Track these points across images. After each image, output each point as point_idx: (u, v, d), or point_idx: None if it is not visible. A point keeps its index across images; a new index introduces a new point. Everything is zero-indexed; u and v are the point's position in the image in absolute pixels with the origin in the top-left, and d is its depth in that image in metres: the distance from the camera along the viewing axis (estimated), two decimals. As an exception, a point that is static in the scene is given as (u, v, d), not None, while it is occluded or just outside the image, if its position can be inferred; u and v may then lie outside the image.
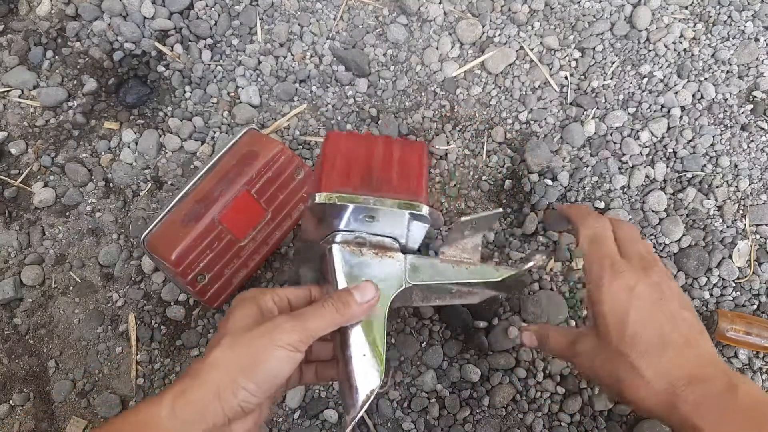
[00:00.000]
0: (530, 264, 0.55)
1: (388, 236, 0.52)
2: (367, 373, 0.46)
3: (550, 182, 0.75)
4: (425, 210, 0.48)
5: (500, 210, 0.54)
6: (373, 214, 0.49)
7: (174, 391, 0.41)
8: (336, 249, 0.51)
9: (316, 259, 0.55)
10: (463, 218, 0.52)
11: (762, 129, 0.77)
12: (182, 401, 0.40)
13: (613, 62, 0.79)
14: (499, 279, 0.53)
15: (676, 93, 0.77)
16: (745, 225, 0.74)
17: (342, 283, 0.50)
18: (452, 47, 0.79)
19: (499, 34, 0.80)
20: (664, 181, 0.76)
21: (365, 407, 0.46)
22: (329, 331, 0.45)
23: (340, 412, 0.69)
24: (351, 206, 0.48)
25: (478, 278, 0.53)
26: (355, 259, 0.50)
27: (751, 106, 0.78)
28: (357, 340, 0.48)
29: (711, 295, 0.72)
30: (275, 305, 0.47)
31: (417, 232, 0.52)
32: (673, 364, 0.44)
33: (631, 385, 0.45)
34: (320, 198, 0.47)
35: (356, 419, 0.45)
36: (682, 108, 0.78)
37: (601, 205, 0.75)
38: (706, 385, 0.43)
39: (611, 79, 0.79)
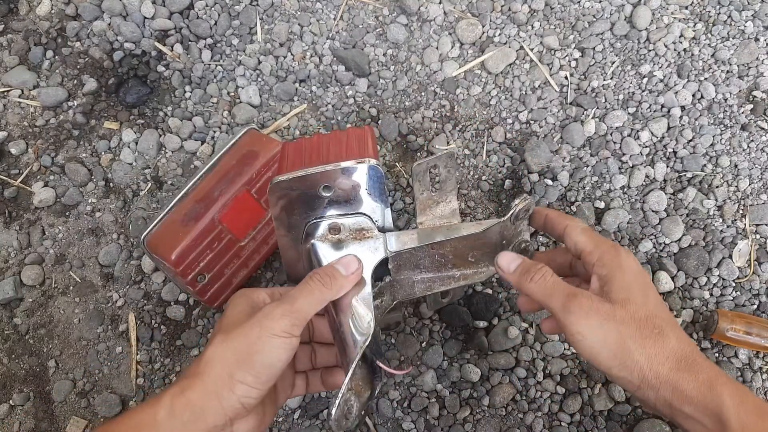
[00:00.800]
0: (513, 211, 0.53)
1: (361, 214, 0.53)
2: (359, 325, 0.48)
3: (550, 182, 0.75)
4: (372, 162, 0.49)
5: (453, 147, 0.54)
6: (328, 183, 0.50)
7: (172, 392, 0.40)
8: (317, 244, 0.52)
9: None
10: (415, 163, 0.53)
11: (762, 129, 0.77)
12: (181, 401, 0.40)
13: (613, 62, 0.79)
14: (482, 230, 0.52)
15: (676, 93, 0.77)
16: (745, 225, 0.74)
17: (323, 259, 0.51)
18: (452, 47, 0.79)
19: (499, 34, 0.80)
20: (664, 180, 0.76)
21: (361, 352, 0.46)
22: (319, 308, 0.45)
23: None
24: (303, 175, 0.50)
25: (459, 234, 0.53)
26: (336, 249, 0.52)
27: (751, 106, 0.78)
28: (347, 308, 0.49)
29: (711, 294, 0.72)
30: (267, 297, 0.47)
31: (377, 190, 0.52)
32: (685, 341, 0.45)
33: (640, 357, 0.43)
34: (276, 179, 0.50)
35: (356, 360, 0.46)
36: (682, 108, 0.78)
37: (601, 204, 0.75)
38: (707, 363, 0.44)
39: (611, 78, 0.79)
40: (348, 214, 0.52)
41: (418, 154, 0.77)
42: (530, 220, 0.56)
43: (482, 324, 0.71)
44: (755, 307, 0.72)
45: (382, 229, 0.53)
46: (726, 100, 0.78)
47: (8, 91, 0.80)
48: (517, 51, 0.79)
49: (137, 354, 0.72)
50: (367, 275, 0.50)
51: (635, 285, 0.46)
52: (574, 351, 0.70)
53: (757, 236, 0.74)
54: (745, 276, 0.73)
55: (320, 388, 0.54)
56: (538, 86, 0.78)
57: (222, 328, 0.43)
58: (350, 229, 0.52)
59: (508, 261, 0.50)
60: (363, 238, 0.52)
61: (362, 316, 0.48)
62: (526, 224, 0.56)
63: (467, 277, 0.56)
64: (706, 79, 0.78)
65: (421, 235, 0.53)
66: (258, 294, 0.47)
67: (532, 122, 0.77)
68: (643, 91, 0.78)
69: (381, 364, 0.49)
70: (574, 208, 0.75)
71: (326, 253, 0.51)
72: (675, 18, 0.80)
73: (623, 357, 0.43)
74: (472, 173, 0.76)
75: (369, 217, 0.53)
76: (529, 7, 0.80)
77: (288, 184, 0.50)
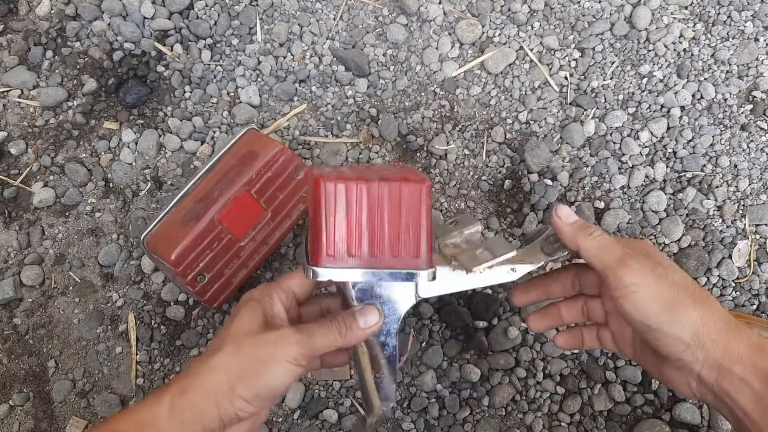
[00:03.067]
0: (551, 259, 0.51)
1: None
2: (382, 392, 0.47)
3: (549, 182, 0.75)
4: (424, 277, 0.46)
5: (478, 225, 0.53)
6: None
7: (173, 391, 0.40)
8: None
9: None
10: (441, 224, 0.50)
11: (761, 129, 0.77)
12: (182, 402, 0.40)
13: (613, 62, 0.79)
14: (514, 281, 0.50)
15: (676, 93, 0.77)
16: (744, 225, 0.74)
17: (352, 299, 0.48)
18: (452, 47, 0.79)
19: (499, 34, 0.80)
20: (664, 181, 0.76)
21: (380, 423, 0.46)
22: (333, 350, 0.44)
23: (340, 412, 0.69)
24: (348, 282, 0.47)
25: (490, 282, 0.51)
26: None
27: (751, 106, 0.78)
28: (366, 358, 0.48)
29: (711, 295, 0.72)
30: (282, 306, 0.46)
31: None
32: (727, 312, 0.45)
33: (695, 312, 0.44)
34: (318, 275, 0.46)
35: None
36: (682, 108, 0.78)
37: (601, 205, 0.75)
38: (751, 331, 0.45)
39: (611, 79, 0.79)
40: None
41: (418, 154, 0.77)
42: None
43: (482, 324, 0.71)
44: (755, 307, 0.72)
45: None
46: (726, 100, 0.78)
47: (8, 91, 0.80)
48: (516, 51, 0.79)
49: (137, 354, 0.72)
50: (395, 326, 0.48)
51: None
52: (574, 351, 0.70)
53: (757, 236, 0.74)
54: (745, 276, 0.73)
55: (317, 365, 0.53)
56: (538, 86, 0.78)
57: (231, 335, 0.43)
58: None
59: (567, 213, 0.49)
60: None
61: (387, 380, 0.47)
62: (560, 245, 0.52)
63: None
64: (705, 79, 0.78)
65: (453, 279, 0.50)
66: (273, 306, 0.45)
67: (531, 122, 0.77)
68: (643, 91, 0.78)
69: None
70: (574, 208, 0.75)
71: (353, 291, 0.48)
72: (675, 18, 0.80)
73: (678, 311, 0.43)
74: (471, 173, 0.76)
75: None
76: (529, 7, 0.80)
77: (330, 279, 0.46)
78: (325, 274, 0.45)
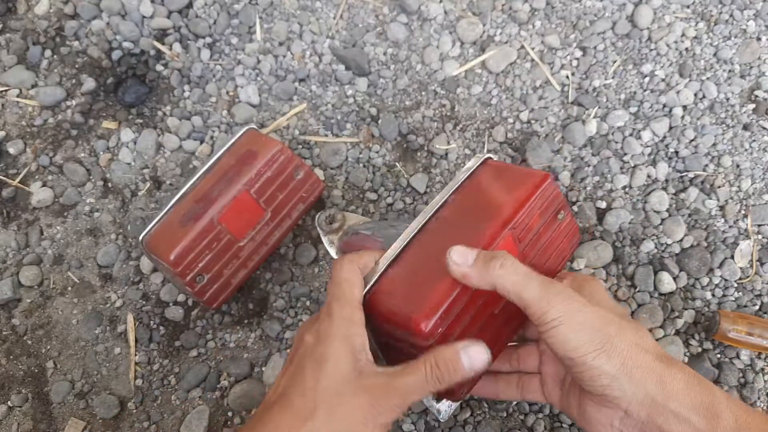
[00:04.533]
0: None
1: None
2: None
3: (551, 182, 0.75)
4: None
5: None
6: None
7: None
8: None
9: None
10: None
11: (764, 128, 0.77)
12: None
13: (615, 61, 0.78)
14: None
15: (678, 92, 0.77)
16: (747, 225, 0.74)
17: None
18: (453, 46, 0.79)
19: (500, 33, 0.79)
20: (666, 180, 0.75)
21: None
22: (425, 397, 0.41)
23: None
24: None
25: None
26: None
27: (754, 106, 0.77)
28: None
29: (713, 295, 0.72)
30: (366, 332, 0.41)
31: None
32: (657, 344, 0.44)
33: (621, 343, 0.40)
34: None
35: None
36: (684, 107, 0.77)
37: (603, 204, 0.74)
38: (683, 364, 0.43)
39: (613, 78, 0.78)
40: None
41: (418, 153, 0.76)
42: None
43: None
44: (757, 307, 0.72)
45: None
46: (728, 99, 0.78)
47: (6, 90, 0.79)
48: (518, 50, 0.79)
49: (136, 355, 0.71)
50: None
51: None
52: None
53: (760, 236, 0.74)
54: (747, 276, 0.73)
55: None
56: (540, 85, 0.78)
57: (321, 395, 0.37)
58: None
59: (462, 252, 0.41)
60: None
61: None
62: None
63: None
64: (708, 78, 0.78)
65: None
66: (360, 341, 0.40)
67: (533, 122, 0.77)
68: (645, 90, 0.78)
69: None
70: (575, 208, 0.74)
71: None
72: (677, 17, 0.80)
73: (603, 342, 0.39)
74: (472, 173, 0.76)
75: None
76: (530, 6, 0.80)
77: None
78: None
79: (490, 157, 0.55)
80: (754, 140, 0.77)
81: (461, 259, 0.41)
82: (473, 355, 0.39)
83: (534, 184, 0.49)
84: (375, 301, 0.44)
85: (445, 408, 0.48)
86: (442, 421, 0.47)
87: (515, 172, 0.52)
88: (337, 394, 0.37)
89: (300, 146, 0.77)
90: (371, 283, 0.45)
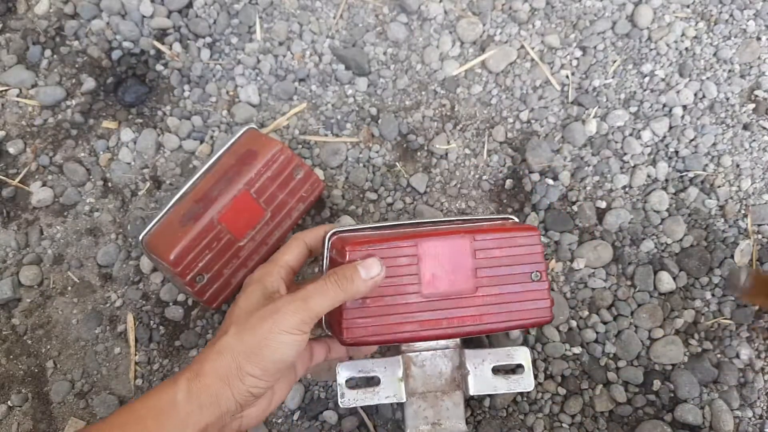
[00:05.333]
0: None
1: None
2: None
3: (551, 182, 0.75)
4: None
5: None
6: None
7: (187, 376, 0.41)
8: None
9: None
10: None
11: (764, 128, 0.77)
12: (197, 386, 0.41)
13: (615, 61, 0.78)
14: None
15: (678, 92, 0.77)
16: (747, 225, 0.74)
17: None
18: (453, 46, 0.79)
19: (500, 33, 0.79)
20: (666, 180, 0.75)
21: None
22: (332, 308, 0.44)
23: (340, 413, 0.69)
24: None
25: None
26: None
27: (753, 105, 0.77)
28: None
29: (713, 295, 0.72)
30: (282, 281, 0.47)
31: None
32: None
33: None
34: None
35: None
36: (684, 107, 0.77)
37: (603, 204, 0.74)
38: None
39: (613, 78, 0.78)
40: None
41: (418, 153, 0.76)
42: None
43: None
44: (757, 307, 0.72)
45: None
46: (728, 99, 0.78)
47: (6, 90, 0.79)
48: (518, 50, 0.78)
49: (136, 355, 0.71)
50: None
51: None
52: (575, 352, 0.70)
53: (759, 236, 0.74)
54: (747, 276, 0.73)
55: (343, 355, 0.54)
56: (539, 85, 0.78)
57: (234, 318, 0.44)
58: None
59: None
60: None
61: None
62: None
63: None
64: (707, 78, 0.78)
65: None
66: (272, 281, 0.46)
67: (533, 121, 0.77)
68: (645, 90, 0.78)
69: None
70: (575, 208, 0.74)
71: None
72: (676, 17, 0.80)
73: None
74: (472, 173, 0.76)
75: None
76: (530, 5, 0.80)
77: None
78: None
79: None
80: (754, 140, 0.77)
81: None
82: (368, 266, 0.44)
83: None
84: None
85: (348, 391, 0.50)
86: (341, 405, 0.49)
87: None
88: (247, 313, 0.43)
89: (300, 146, 0.77)
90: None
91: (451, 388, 0.52)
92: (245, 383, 0.41)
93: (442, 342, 0.52)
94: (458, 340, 0.53)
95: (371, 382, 0.52)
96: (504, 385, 0.52)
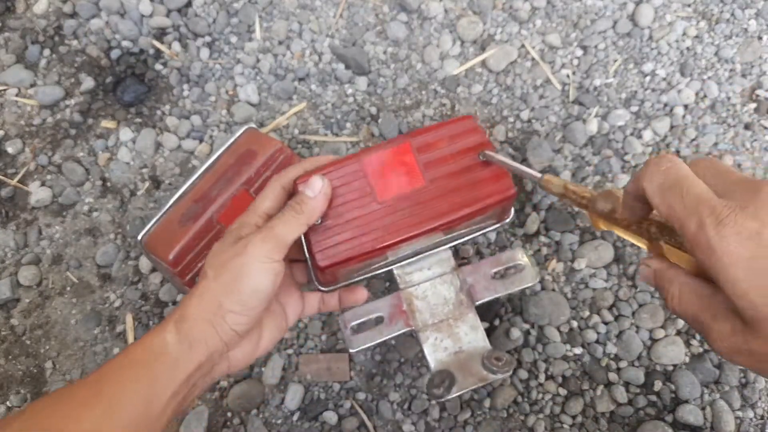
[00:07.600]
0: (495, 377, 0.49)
1: None
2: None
3: (551, 181, 0.74)
4: None
5: None
6: None
7: (174, 318, 0.43)
8: None
9: None
10: None
11: (765, 128, 0.77)
12: (184, 327, 0.42)
13: (616, 60, 0.78)
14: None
15: (679, 91, 0.77)
16: (748, 225, 0.74)
17: None
18: (453, 45, 0.79)
19: (501, 32, 0.79)
20: (667, 180, 0.75)
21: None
22: (299, 233, 0.46)
23: (340, 414, 0.68)
24: None
25: None
26: None
27: (755, 105, 0.77)
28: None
29: (714, 295, 0.72)
30: (257, 228, 0.48)
31: None
32: None
33: None
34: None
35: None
36: (685, 106, 0.77)
37: (604, 204, 0.74)
38: None
39: (614, 77, 0.78)
40: None
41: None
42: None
43: (484, 325, 0.70)
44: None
45: None
46: (729, 98, 0.77)
47: (5, 89, 0.79)
48: (518, 49, 0.78)
49: (135, 355, 0.71)
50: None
51: (751, 290, 0.30)
52: (576, 353, 0.70)
53: (761, 236, 0.74)
54: (749, 276, 0.72)
55: (336, 306, 0.54)
56: (540, 84, 0.78)
57: (209, 263, 0.45)
58: None
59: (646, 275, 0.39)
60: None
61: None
62: None
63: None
64: (709, 77, 0.78)
65: None
66: (246, 228, 0.48)
67: (533, 121, 0.77)
68: (646, 89, 0.78)
69: None
70: (576, 208, 0.74)
71: None
72: (678, 16, 0.79)
73: None
74: (473, 172, 0.75)
75: None
76: (531, 4, 0.80)
77: None
78: None
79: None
80: (755, 139, 0.76)
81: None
82: (310, 184, 0.47)
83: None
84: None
85: (354, 337, 0.51)
86: (351, 350, 0.50)
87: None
88: (219, 255, 0.44)
89: (299, 145, 0.76)
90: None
91: (462, 312, 0.52)
92: (227, 321, 0.43)
93: (437, 269, 0.52)
94: (453, 262, 0.53)
95: (376, 322, 0.52)
96: (507, 285, 0.52)
